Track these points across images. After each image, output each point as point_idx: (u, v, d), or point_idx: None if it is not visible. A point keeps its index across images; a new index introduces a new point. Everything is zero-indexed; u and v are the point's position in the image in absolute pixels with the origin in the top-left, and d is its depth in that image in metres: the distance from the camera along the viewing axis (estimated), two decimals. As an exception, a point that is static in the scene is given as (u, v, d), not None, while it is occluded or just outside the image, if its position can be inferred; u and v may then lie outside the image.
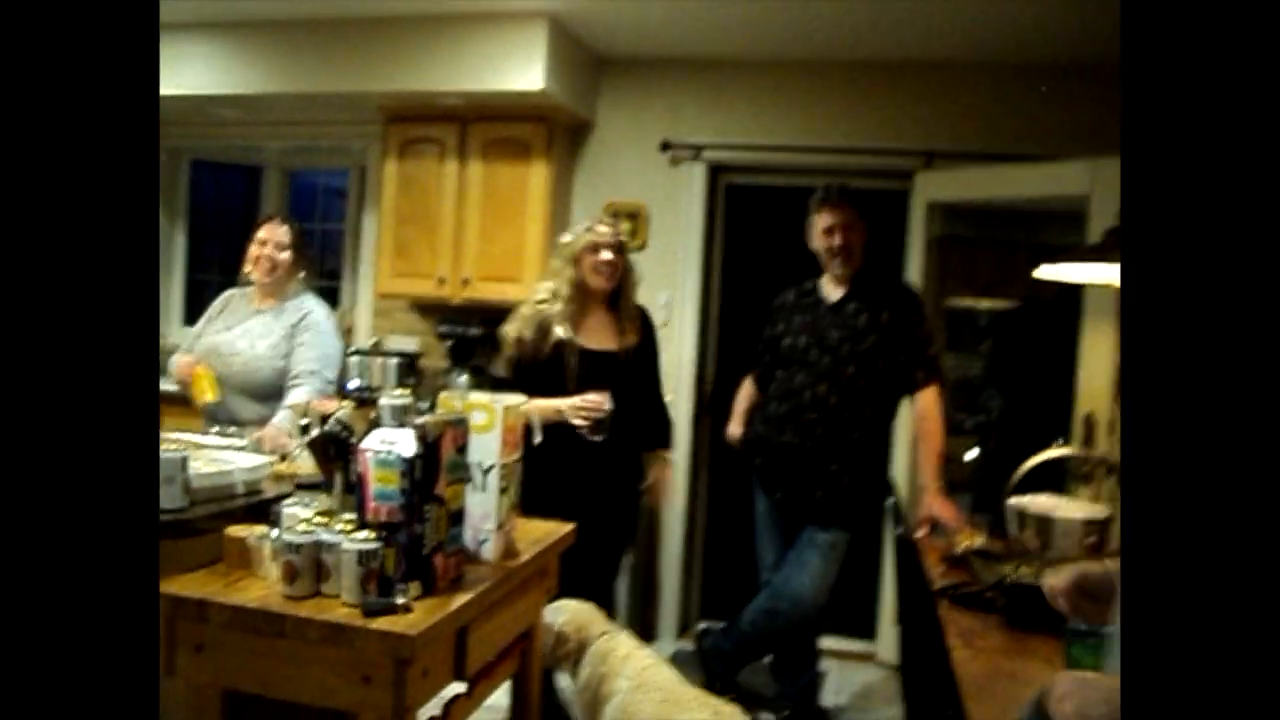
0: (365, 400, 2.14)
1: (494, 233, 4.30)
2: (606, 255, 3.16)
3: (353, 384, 3.87)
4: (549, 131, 4.25)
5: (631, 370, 3.24)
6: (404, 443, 1.90)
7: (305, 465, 2.22)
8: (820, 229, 3.31)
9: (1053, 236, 4.70)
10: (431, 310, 4.60)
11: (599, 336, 3.21)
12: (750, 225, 4.65)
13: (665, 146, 4.46)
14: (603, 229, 3.20)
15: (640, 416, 3.24)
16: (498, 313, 4.24)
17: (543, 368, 3.12)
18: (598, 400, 3.03)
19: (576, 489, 3.01)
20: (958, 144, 4.17)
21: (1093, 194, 3.81)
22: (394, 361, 4.31)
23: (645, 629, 4.30)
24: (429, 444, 1.92)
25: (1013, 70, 4.15)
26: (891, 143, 4.20)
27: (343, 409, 2.18)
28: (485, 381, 4.07)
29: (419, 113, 4.35)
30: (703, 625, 3.89)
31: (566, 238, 3.26)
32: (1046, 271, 2.88)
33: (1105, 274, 2.79)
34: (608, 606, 3.02)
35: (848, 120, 4.31)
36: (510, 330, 3.21)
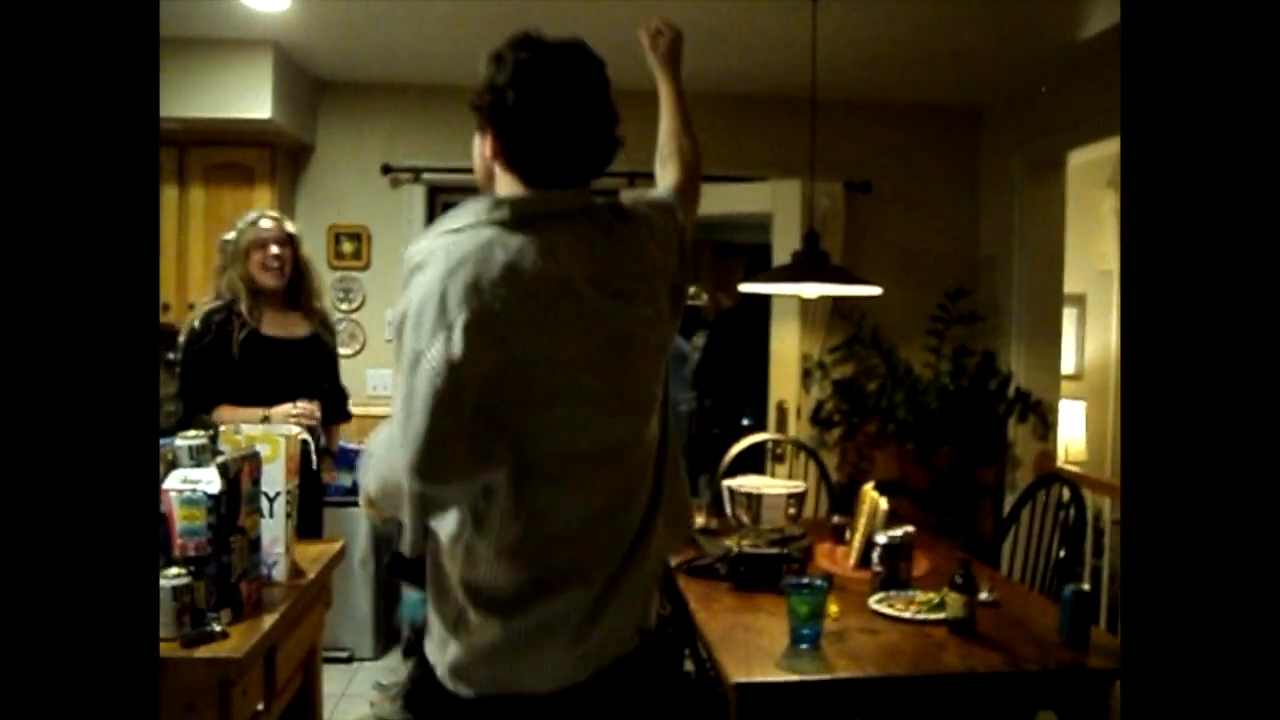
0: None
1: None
2: (274, 250, 3.10)
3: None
4: (272, 156, 4.30)
5: (309, 357, 3.21)
6: (207, 480, 2.04)
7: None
8: None
9: (743, 237, 5.50)
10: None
11: (274, 325, 3.15)
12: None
13: (386, 169, 4.63)
14: (266, 223, 3.13)
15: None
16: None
17: (214, 351, 3.06)
18: (309, 409, 3.08)
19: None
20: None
21: (774, 210, 4.51)
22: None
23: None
24: (231, 479, 2.07)
25: (724, 100, 4.60)
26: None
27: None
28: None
29: (130, 136, 4.24)
30: None
31: (229, 235, 3.14)
32: (749, 287, 3.41)
33: (792, 289, 3.40)
34: None
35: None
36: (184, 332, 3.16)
